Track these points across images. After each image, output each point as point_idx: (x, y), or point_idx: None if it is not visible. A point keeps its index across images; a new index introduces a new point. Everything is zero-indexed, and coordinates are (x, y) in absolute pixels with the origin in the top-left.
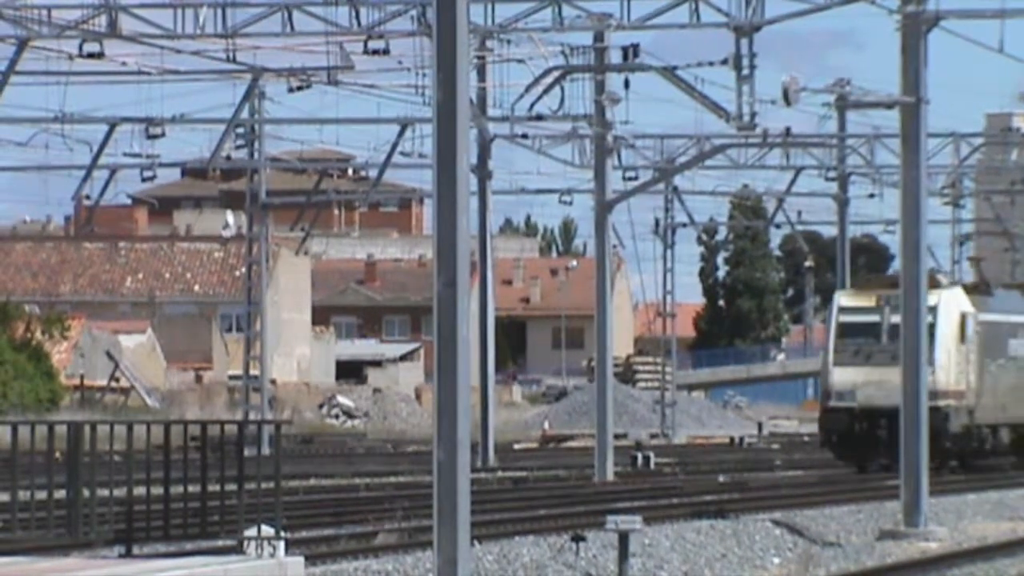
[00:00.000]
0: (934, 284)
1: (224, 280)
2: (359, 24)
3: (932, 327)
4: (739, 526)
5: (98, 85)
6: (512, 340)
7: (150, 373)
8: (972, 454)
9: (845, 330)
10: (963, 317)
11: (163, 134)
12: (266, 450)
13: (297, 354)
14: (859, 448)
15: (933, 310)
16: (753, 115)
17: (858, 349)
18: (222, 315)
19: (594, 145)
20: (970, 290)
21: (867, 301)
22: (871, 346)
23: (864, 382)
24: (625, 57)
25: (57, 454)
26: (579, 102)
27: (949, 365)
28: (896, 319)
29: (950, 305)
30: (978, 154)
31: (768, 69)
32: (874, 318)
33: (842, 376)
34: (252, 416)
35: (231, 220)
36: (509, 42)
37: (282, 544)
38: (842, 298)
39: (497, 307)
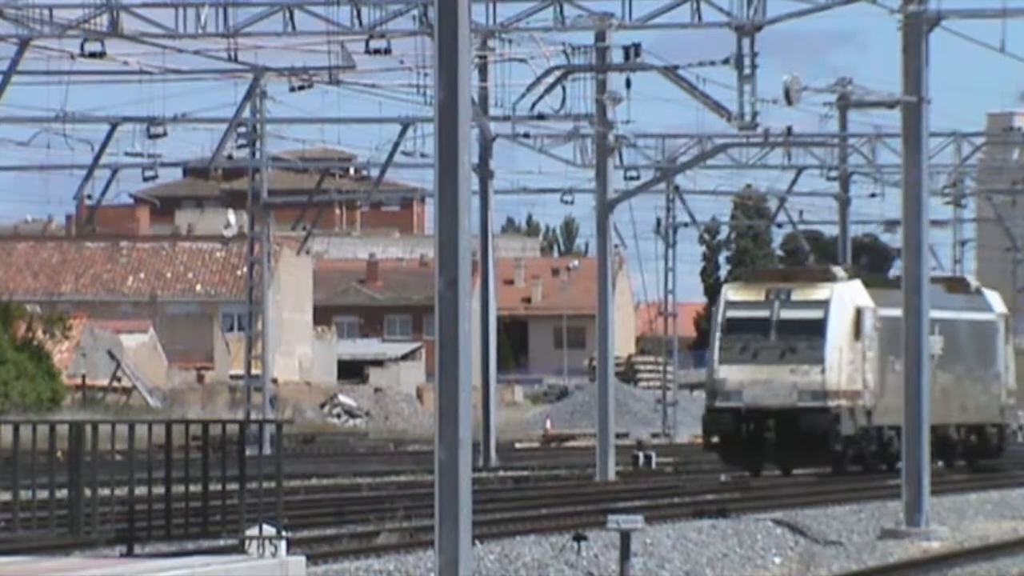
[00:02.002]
0: (827, 277)
1: (226, 279)
2: (360, 24)
3: (821, 323)
4: (740, 525)
5: (100, 84)
6: (514, 340)
7: (151, 372)
8: (874, 458)
9: (732, 326)
10: (858, 312)
11: (165, 133)
12: (268, 449)
13: (299, 353)
14: (746, 451)
15: (824, 305)
16: (755, 115)
17: (745, 346)
18: (224, 314)
19: (596, 144)
20: (872, 284)
21: (756, 295)
22: (759, 343)
23: (751, 381)
24: (627, 57)
25: (59, 454)
26: (581, 101)
27: (840, 363)
28: (787, 314)
29: (844, 299)
30: (979, 154)
31: (770, 69)
32: (763, 313)
33: (728, 375)
34: (254, 415)
35: (232, 220)
36: (511, 41)
37: (283, 543)
38: (729, 291)
39: (499, 307)
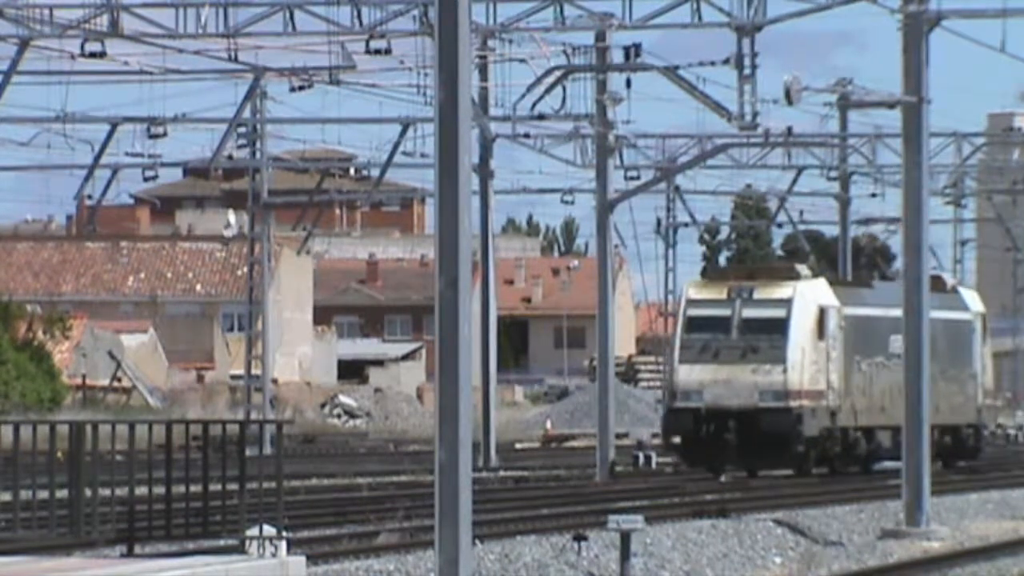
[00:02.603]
0: (790, 275)
1: (226, 280)
2: (361, 24)
3: (784, 322)
4: (741, 525)
5: (100, 85)
6: (514, 340)
7: (152, 373)
8: (840, 459)
9: (693, 324)
10: (822, 311)
11: (165, 134)
12: (268, 450)
13: (299, 354)
14: (707, 452)
15: (787, 303)
16: (755, 115)
17: (706, 345)
18: (224, 314)
19: (596, 145)
20: (837, 282)
21: (717, 293)
22: (720, 342)
23: (712, 381)
24: (627, 57)
25: (59, 454)
26: (581, 102)
27: (803, 363)
28: (749, 313)
29: (807, 298)
30: (980, 154)
31: (770, 69)
32: (724, 312)
33: (688, 374)
34: (254, 416)
35: (233, 220)
36: (511, 42)
37: (284, 544)
38: (690, 289)
39: (499, 307)
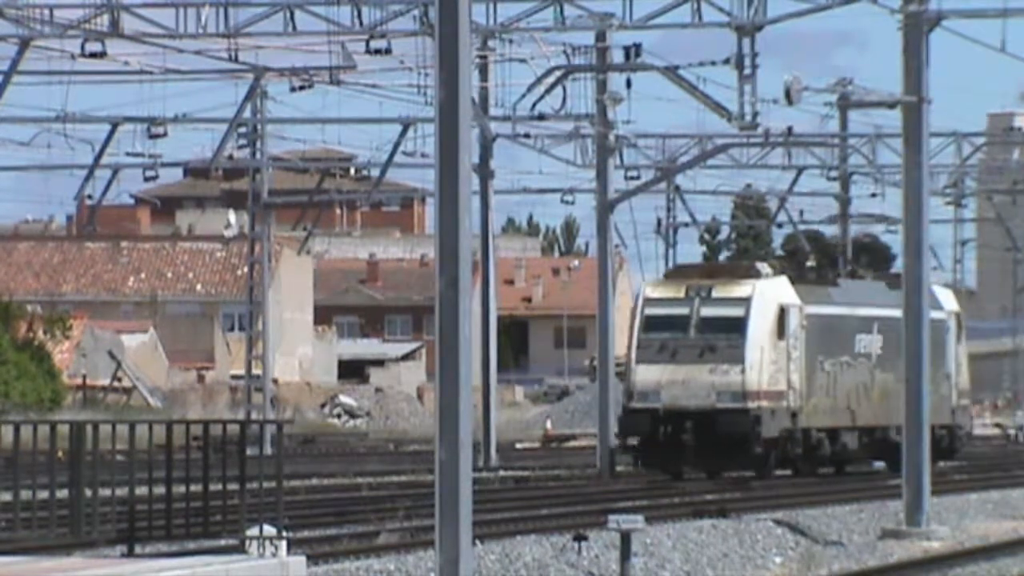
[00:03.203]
0: (749, 274)
1: (226, 280)
2: (361, 24)
3: (742, 321)
4: (741, 525)
5: (100, 84)
6: (514, 340)
7: (152, 373)
8: (804, 461)
9: (650, 324)
10: (782, 310)
11: (165, 134)
12: (268, 450)
13: (299, 354)
14: (664, 454)
15: (745, 302)
16: (755, 115)
17: (663, 344)
18: (224, 314)
19: (596, 145)
20: (800, 281)
21: (675, 292)
22: (678, 341)
23: (669, 381)
24: (627, 57)
25: (59, 454)
26: (581, 102)
27: (762, 363)
28: (707, 312)
29: (766, 297)
30: (980, 154)
31: (770, 69)
32: (682, 310)
33: (645, 375)
34: (254, 416)
35: (233, 220)
36: (511, 41)
37: (284, 544)
38: (648, 288)
39: (499, 307)
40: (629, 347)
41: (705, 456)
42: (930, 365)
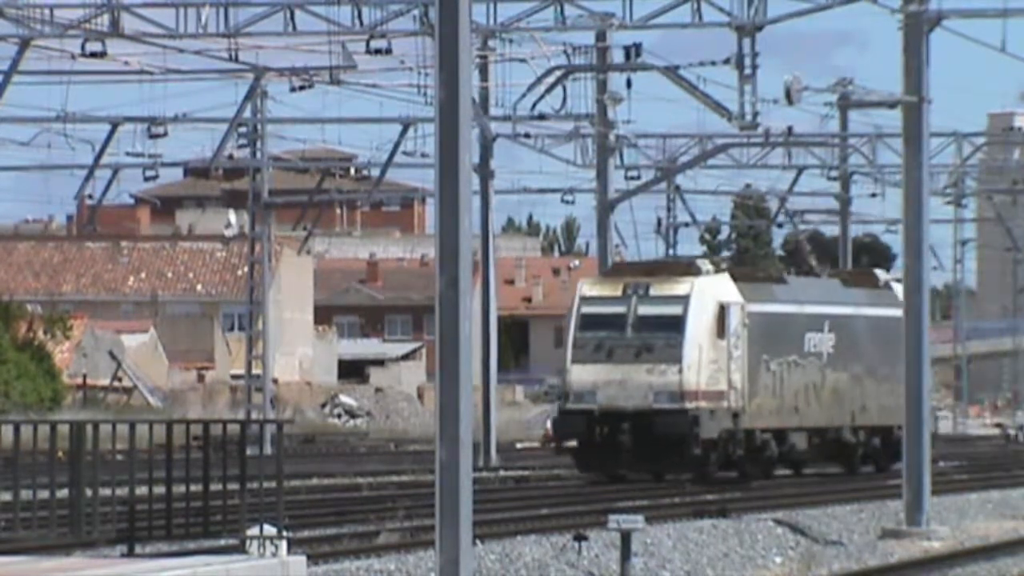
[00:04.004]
0: (689, 271)
1: (226, 279)
2: (361, 24)
3: (680, 319)
4: (741, 525)
5: (100, 84)
6: (514, 340)
7: (152, 372)
8: (748, 462)
9: (586, 322)
10: (722, 308)
11: (165, 133)
12: (268, 449)
13: (299, 353)
14: (601, 456)
15: (683, 300)
16: (755, 115)
17: (600, 344)
18: (224, 314)
19: (596, 144)
20: (743, 278)
21: (612, 290)
22: (615, 341)
23: (606, 381)
24: (627, 57)
25: (60, 454)
26: (581, 101)
27: (700, 362)
28: (644, 310)
29: (705, 294)
30: (980, 153)
31: (770, 69)
32: (619, 309)
33: (581, 375)
34: (254, 415)
35: (233, 219)
36: (511, 41)
37: (284, 543)
38: (585, 287)
39: (499, 306)
40: (565, 347)
41: (643, 458)
42: (887, 364)
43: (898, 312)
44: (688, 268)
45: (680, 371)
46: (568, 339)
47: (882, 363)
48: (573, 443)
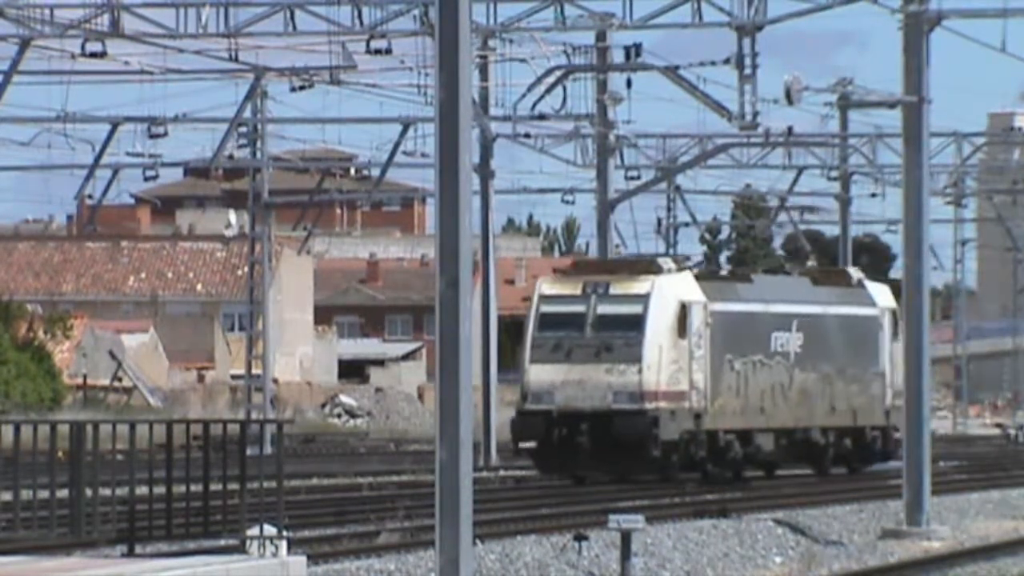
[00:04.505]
0: (649, 269)
1: (226, 279)
2: (361, 24)
3: (640, 319)
4: (741, 525)
5: (101, 84)
6: (514, 340)
7: (152, 372)
8: (712, 464)
9: (545, 322)
10: (683, 307)
11: (165, 133)
12: (268, 449)
13: (299, 353)
14: (559, 457)
15: (643, 299)
16: (755, 115)
17: (558, 343)
18: (224, 314)
19: (596, 144)
20: (707, 277)
21: (572, 289)
22: (573, 340)
23: (564, 381)
24: (627, 57)
25: (60, 454)
26: (581, 101)
27: (660, 363)
28: (604, 309)
29: (666, 293)
30: (980, 154)
31: (771, 69)
32: (578, 308)
33: (539, 375)
34: (254, 415)
35: (233, 219)
36: (511, 41)
37: (284, 543)
38: (544, 285)
39: (499, 306)
40: (523, 346)
41: (602, 459)
42: (859, 364)
43: (871, 311)
44: (649, 266)
45: (640, 371)
46: (526, 338)
47: (853, 363)
48: (531, 444)
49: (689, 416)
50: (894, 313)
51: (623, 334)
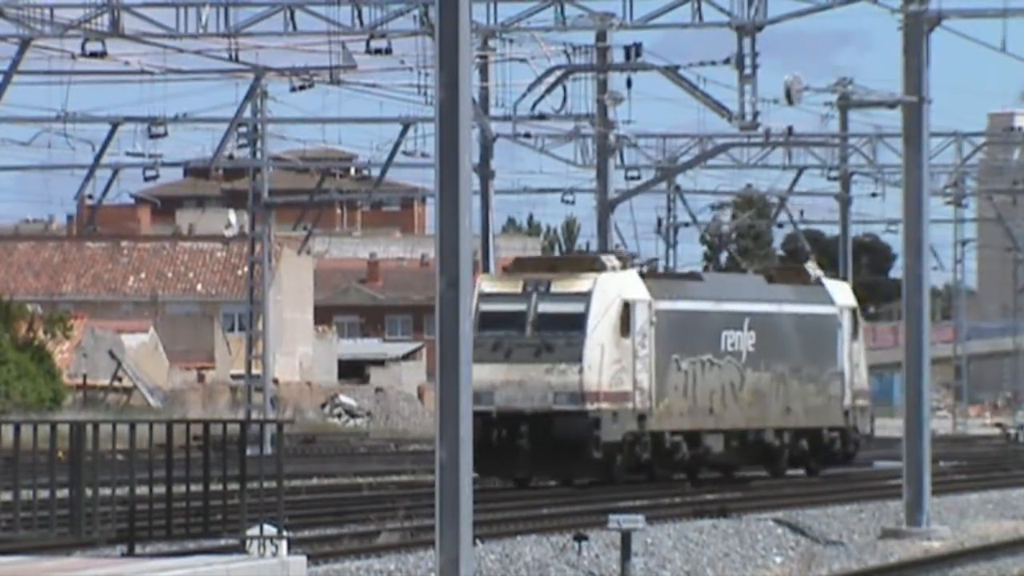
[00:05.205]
0: (592, 267)
1: (226, 279)
2: (361, 23)
3: (581, 317)
4: (741, 525)
5: (101, 84)
6: None
7: (152, 372)
8: (659, 466)
9: (485, 321)
10: (627, 306)
11: (166, 133)
12: (268, 449)
13: (299, 353)
14: (499, 459)
15: (585, 297)
16: (755, 114)
17: (498, 343)
18: (224, 314)
19: (596, 144)
20: (653, 275)
21: (512, 287)
22: (513, 340)
23: (504, 382)
24: (627, 56)
25: (60, 454)
26: (581, 101)
27: (602, 362)
28: (545, 308)
29: (608, 292)
30: (980, 153)
31: (771, 69)
32: (519, 307)
33: (479, 375)
34: (254, 415)
35: (233, 219)
36: (511, 41)
37: (284, 543)
38: (484, 283)
39: None
40: None
41: (542, 461)
42: (815, 364)
43: (829, 309)
44: (592, 264)
45: (580, 371)
46: None
47: (809, 362)
48: None
49: (632, 417)
50: (854, 312)
51: (564, 333)
